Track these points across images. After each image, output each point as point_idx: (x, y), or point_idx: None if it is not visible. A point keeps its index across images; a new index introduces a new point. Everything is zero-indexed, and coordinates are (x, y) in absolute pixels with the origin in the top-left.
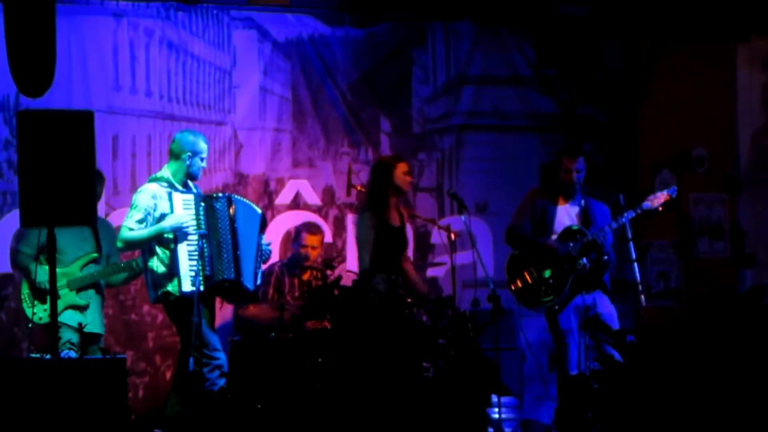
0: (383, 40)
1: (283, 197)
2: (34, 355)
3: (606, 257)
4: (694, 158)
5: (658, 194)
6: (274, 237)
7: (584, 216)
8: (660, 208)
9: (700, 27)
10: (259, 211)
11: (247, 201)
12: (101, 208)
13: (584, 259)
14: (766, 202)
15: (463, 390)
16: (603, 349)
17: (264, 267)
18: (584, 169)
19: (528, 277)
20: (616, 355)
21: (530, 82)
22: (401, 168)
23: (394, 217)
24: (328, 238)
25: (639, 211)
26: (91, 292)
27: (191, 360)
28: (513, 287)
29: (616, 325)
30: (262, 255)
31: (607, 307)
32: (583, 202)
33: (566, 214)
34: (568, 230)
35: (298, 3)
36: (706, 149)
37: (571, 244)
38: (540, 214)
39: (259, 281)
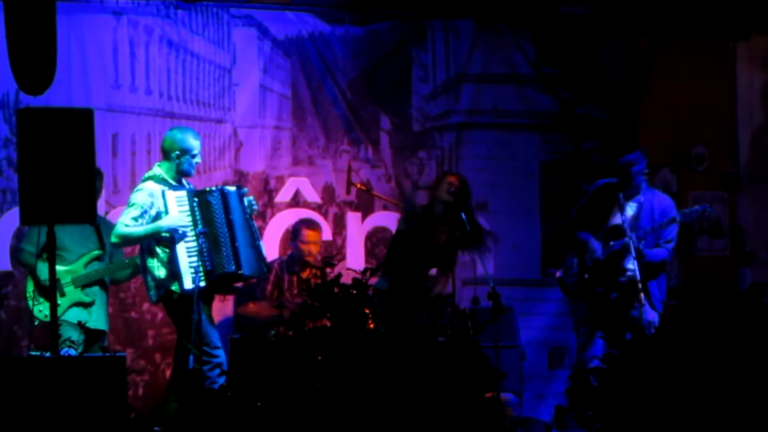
0: (383, 39)
1: (283, 195)
2: (33, 353)
3: (645, 259)
4: (694, 157)
5: (695, 209)
6: (273, 235)
7: (637, 215)
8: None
9: (700, 25)
10: (233, 188)
11: (233, 189)
12: (101, 207)
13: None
14: (766, 200)
15: (460, 385)
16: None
17: None
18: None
19: (569, 267)
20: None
21: (530, 80)
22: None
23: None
24: (328, 236)
25: (679, 219)
26: (96, 288)
27: (191, 357)
28: (557, 274)
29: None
30: (255, 235)
31: (647, 314)
32: (642, 198)
33: (620, 213)
34: (612, 230)
35: (298, 1)
36: (705, 148)
37: (611, 244)
38: (600, 210)
39: (264, 254)
